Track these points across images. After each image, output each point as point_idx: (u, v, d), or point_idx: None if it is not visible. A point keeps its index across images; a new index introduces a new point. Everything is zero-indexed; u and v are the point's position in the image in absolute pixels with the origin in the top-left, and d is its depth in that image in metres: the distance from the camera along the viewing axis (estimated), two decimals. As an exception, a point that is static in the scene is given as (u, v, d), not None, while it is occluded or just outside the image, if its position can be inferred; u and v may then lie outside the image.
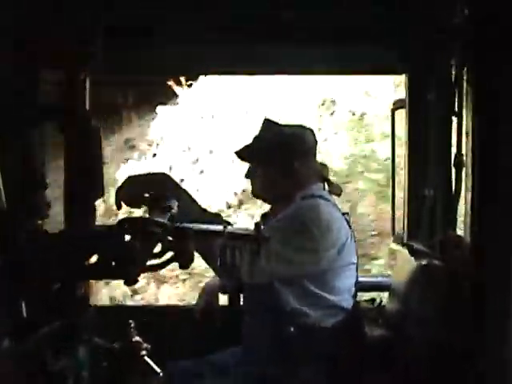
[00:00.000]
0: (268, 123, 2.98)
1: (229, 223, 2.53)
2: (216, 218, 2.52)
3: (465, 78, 2.50)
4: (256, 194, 3.01)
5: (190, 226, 1.67)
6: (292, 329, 2.72)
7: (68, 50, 1.75)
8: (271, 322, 2.79)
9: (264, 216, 2.98)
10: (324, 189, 2.95)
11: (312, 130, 3.00)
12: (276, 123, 2.98)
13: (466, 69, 2.49)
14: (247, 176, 3.00)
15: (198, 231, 1.74)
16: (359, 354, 2.59)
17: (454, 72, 2.68)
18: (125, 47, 2.97)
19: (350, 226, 2.89)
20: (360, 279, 3.01)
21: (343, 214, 2.91)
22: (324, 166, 3.03)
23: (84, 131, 1.78)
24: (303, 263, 2.66)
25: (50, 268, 1.58)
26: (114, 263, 1.51)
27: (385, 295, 3.06)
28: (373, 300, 2.95)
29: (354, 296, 2.90)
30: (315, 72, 3.76)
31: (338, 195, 3.00)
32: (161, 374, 1.90)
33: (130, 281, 1.50)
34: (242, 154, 2.99)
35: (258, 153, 2.92)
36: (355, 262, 2.88)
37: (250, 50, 3.12)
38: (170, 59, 3.25)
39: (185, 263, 1.60)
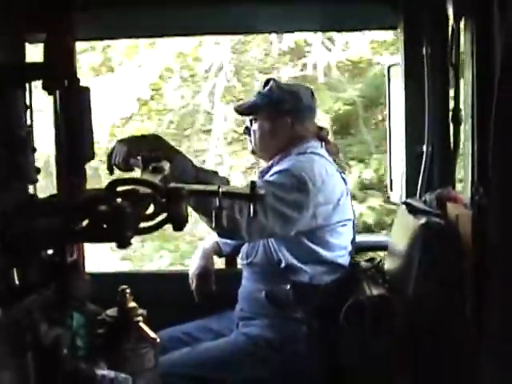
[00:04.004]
0: (271, 82, 3.02)
1: (227, 180, 2.52)
2: (212, 175, 2.47)
3: (462, 29, 2.45)
4: (254, 150, 3.03)
5: (184, 186, 1.61)
6: (288, 285, 2.73)
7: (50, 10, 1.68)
8: (267, 279, 2.79)
9: (261, 172, 2.98)
10: (321, 147, 2.96)
11: (312, 92, 3.05)
12: (279, 82, 3.04)
13: (463, 20, 2.43)
14: (246, 132, 3.05)
15: (192, 191, 1.69)
16: (356, 311, 2.57)
17: (450, 24, 2.64)
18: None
19: (345, 183, 2.88)
20: (359, 239, 2.99)
21: (340, 171, 2.90)
22: (324, 128, 3.05)
23: (72, 92, 1.72)
24: (298, 219, 2.62)
25: (41, 233, 1.52)
26: (105, 226, 1.46)
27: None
28: (372, 259, 2.93)
29: (352, 254, 2.88)
30: (311, 29, 3.74)
31: (335, 155, 2.98)
32: (157, 340, 1.86)
33: (123, 244, 1.44)
34: (240, 109, 3.05)
35: (257, 107, 2.97)
36: (351, 218, 2.87)
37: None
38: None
39: (178, 225, 1.54)
